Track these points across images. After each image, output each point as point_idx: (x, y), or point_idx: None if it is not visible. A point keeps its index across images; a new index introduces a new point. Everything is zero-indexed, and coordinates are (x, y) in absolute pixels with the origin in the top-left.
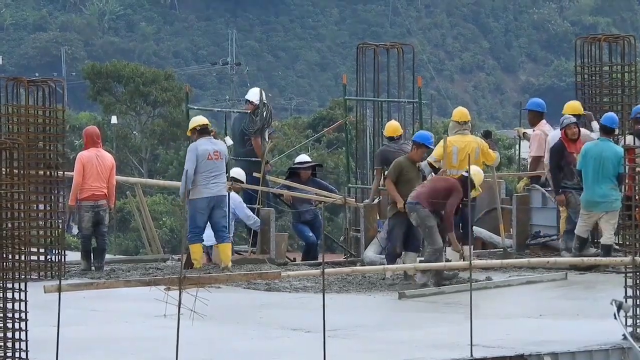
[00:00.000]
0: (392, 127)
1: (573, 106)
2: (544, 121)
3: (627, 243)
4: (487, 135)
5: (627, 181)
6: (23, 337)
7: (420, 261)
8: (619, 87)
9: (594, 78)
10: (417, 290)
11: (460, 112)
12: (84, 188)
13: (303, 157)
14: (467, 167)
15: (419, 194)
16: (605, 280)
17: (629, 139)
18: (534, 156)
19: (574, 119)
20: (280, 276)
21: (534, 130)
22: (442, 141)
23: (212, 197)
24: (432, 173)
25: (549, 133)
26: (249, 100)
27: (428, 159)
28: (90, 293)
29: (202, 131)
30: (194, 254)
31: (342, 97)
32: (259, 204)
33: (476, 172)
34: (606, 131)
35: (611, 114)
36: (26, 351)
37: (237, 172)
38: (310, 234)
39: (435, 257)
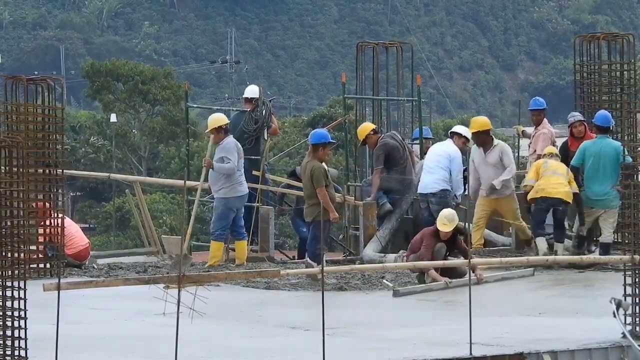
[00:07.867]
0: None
1: (480, 122)
2: (545, 120)
3: (626, 241)
4: None
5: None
6: (22, 335)
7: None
8: (618, 86)
9: (593, 76)
10: (410, 288)
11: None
12: None
13: None
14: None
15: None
16: (604, 279)
17: None
18: (539, 154)
19: (580, 117)
20: (280, 274)
21: (536, 129)
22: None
23: (244, 195)
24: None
25: (551, 131)
26: (247, 98)
27: (525, 181)
28: (90, 291)
29: (227, 130)
30: (217, 251)
31: (342, 96)
32: (258, 202)
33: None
34: (601, 130)
35: (604, 112)
36: (25, 349)
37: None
38: (305, 229)
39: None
